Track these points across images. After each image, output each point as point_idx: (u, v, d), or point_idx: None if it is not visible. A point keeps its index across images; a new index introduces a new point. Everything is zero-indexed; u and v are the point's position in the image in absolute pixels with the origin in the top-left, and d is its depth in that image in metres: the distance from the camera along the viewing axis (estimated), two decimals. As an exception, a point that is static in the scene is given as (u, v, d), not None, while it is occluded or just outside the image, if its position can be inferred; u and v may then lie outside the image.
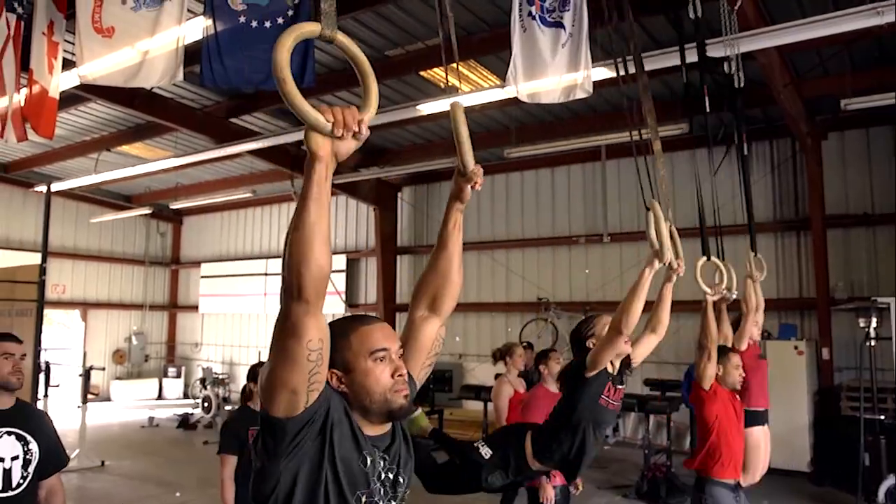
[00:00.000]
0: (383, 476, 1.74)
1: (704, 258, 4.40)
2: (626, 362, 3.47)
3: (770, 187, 10.46)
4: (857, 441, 7.43)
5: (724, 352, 4.31)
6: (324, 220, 1.43)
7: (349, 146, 1.45)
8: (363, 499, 1.69)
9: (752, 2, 6.01)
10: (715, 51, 5.40)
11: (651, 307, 3.58)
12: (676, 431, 9.59)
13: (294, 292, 1.44)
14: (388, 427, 1.79)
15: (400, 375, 1.74)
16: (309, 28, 1.50)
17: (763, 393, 5.45)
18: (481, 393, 10.40)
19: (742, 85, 5.27)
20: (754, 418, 5.16)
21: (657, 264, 3.33)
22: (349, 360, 1.71)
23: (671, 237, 3.50)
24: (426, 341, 1.99)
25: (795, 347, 9.05)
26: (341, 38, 1.54)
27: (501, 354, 5.94)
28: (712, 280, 4.58)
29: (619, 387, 3.46)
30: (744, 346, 5.15)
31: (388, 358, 1.74)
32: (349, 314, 1.57)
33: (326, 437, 1.61)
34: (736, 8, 5.49)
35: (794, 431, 8.81)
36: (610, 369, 3.38)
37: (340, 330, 1.72)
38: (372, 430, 1.74)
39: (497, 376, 5.87)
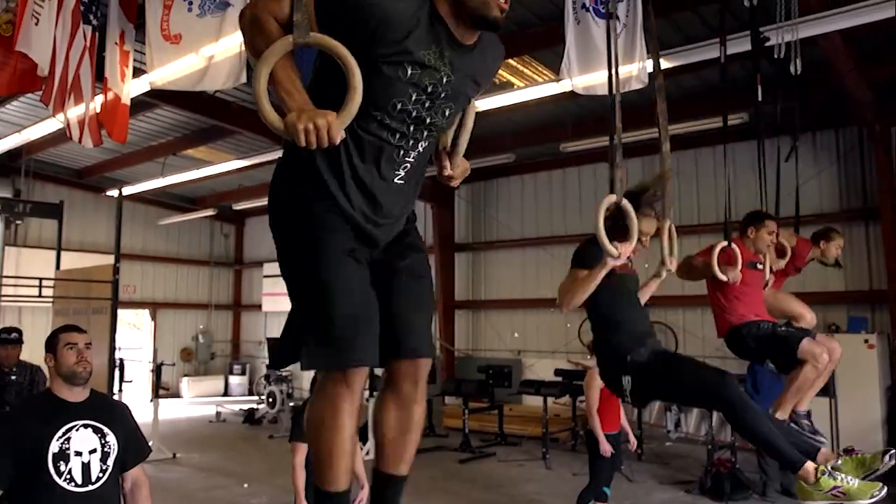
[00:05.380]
0: (432, 90, 1.76)
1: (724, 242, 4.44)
2: None
3: (836, 176, 10.15)
4: (933, 437, 7.19)
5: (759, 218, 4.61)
6: None
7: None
8: (398, 104, 1.74)
9: (813, -16, 5.87)
10: (771, 37, 5.29)
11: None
12: (741, 427, 9.39)
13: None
14: None
15: None
16: (281, 46, 1.60)
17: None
18: (540, 388, 10.40)
19: (799, 72, 5.14)
20: None
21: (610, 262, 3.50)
22: None
23: (670, 236, 3.66)
24: None
25: (866, 341, 8.78)
26: (316, 38, 1.61)
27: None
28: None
29: None
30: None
31: None
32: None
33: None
34: (796, -8, 5.37)
35: (865, 428, 8.55)
36: None
37: None
38: None
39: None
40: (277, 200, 1.92)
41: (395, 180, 1.87)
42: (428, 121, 1.82)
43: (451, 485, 8.42)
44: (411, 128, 1.80)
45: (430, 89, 1.75)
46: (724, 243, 4.42)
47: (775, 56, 5.35)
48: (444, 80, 1.76)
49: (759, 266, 4.70)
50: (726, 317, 4.56)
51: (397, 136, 1.80)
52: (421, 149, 1.88)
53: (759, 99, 4.98)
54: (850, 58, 7.52)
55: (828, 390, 8.82)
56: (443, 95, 1.79)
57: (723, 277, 4.36)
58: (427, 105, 1.78)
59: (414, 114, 1.77)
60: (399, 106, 1.74)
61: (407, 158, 1.86)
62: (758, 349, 4.48)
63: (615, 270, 3.60)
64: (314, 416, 1.84)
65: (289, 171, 1.85)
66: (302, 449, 3.95)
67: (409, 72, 1.70)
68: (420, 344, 1.89)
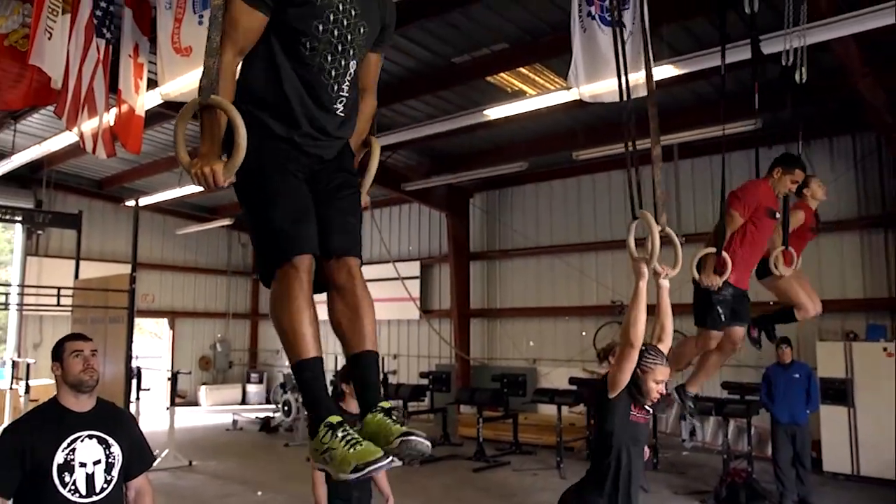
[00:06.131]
0: (343, 8, 2.10)
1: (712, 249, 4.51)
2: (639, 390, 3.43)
3: (853, 183, 10.04)
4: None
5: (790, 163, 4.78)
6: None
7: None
8: (320, 26, 2.06)
9: (823, -12, 5.82)
10: (778, 44, 5.24)
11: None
12: (758, 437, 9.29)
13: None
14: None
15: None
16: (190, 106, 1.97)
17: None
18: (555, 397, 10.35)
19: (804, 80, 5.09)
20: None
21: (646, 272, 3.32)
22: None
23: (671, 242, 3.56)
24: None
25: (885, 349, 8.65)
26: (215, 99, 1.94)
27: (605, 354, 6.01)
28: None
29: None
30: None
31: None
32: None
33: None
34: (806, -3, 5.32)
35: (883, 439, 8.41)
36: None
37: None
38: None
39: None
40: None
41: (337, 112, 2.19)
42: (349, 38, 2.13)
43: (464, 493, 8.41)
44: (339, 47, 2.12)
45: (342, 7, 2.09)
46: (712, 250, 4.46)
47: (783, 63, 5.29)
48: None
49: (777, 216, 4.76)
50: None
51: (329, 58, 2.11)
52: (350, 76, 2.19)
53: (757, 107, 4.97)
54: (865, 63, 7.44)
55: (846, 399, 8.73)
56: (353, 13, 2.13)
57: (695, 275, 4.46)
58: (344, 23, 2.11)
59: (336, 32, 2.10)
60: (321, 27, 2.07)
61: (342, 93, 2.17)
62: (701, 300, 4.64)
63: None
64: (273, 303, 2.07)
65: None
66: None
67: None
68: (348, 244, 2.15)
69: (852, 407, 8.70)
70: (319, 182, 2.19)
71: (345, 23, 2.11)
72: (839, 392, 8.79)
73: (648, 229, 3.29)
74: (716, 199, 12.00)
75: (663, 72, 6.63)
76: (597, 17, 5.12)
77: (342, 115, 2.20)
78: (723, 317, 4.57)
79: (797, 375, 7.55)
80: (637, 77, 5.25)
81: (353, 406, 4.04)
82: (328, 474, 3.84)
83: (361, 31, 2.17)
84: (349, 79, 2.18)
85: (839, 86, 7.90)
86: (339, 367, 12.79)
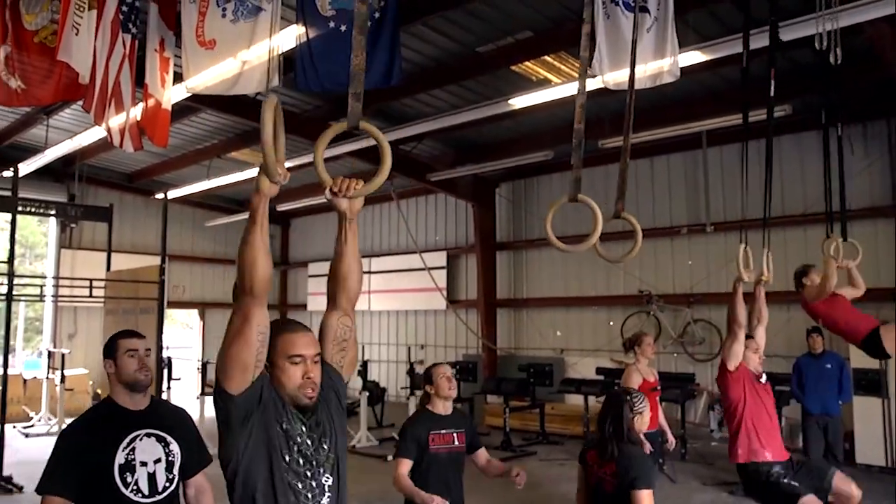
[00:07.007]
0: (301, 440, 2.21)
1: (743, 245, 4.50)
2: None
3: (888, 168, 9.80)
4: None
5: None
6: (266, 237, 2.04)
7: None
8: (286, 457, 2.16)
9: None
10: (806, 29, 5.12)
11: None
12: (788, 428, 9.17)
13: (247, 289, 2.06)
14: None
15: (309, 378, 2.19)
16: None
17: None
18: (581, 387, 10.30)
19: (839, 61, 4.95)
20: None
21: None
22: (273, 357, 2.20)
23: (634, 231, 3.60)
24: (329, 331, 2.37)
25: (920, 339, 8.45)
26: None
27: (631, 344, 6.03)
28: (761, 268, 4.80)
29: None
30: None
31: (303, 362, 2.19)
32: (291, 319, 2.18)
33: (263, 404, 2.13)
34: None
35: (920, 428, 8.25)
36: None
37: (273, 331, 2.21)
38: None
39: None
40: None
41: None
42: (320, 456, 2.23)
43: (489, 483, 8.38)
44: (313, 462, 2.22)
45: (300, 437, 2.20)
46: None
47: (817, 47, 5.18)
48: (305, 428, 2.23)
49: (762, 380, 4.54)
50: (737, 448, 4.40)
51: (300, 485, 2.18)
52: (328, 491, 2.23)
53: (772, 94, 4.86)
54: (899, 45, 7.26)
55: (880, 390, 8.57)
56: (314, 437, 2.23)
57: None
58: (311, 445, 2.22)
59: (308, 453, 2.21)
60: (295, 449, 2.18)
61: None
62: (765, 496, 4.37)
63: None
64: None
65: None
66: (406, 465, 3.84)
67: (284, 427, 2.18)
68: None
69: (886, 398, 8.53)
70: None
71: (309, 443, 2.22)
72: (873, 383, 8.62)
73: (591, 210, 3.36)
74: (745, 186, 11.79)
75: (689, 58, 6.54)
76: (620, 2, 5.06)
77: None
78: (795, 483, 4.18)
79: (829, 366, 7.42)
80: (661, 64, 5.19)
81: (439, 408, 3.99)
82: (415, 478, 3.79)
83: (325, 446, 2.26)
84: (329, 495, 2.24)
85: (873, 69, 7.72)
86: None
